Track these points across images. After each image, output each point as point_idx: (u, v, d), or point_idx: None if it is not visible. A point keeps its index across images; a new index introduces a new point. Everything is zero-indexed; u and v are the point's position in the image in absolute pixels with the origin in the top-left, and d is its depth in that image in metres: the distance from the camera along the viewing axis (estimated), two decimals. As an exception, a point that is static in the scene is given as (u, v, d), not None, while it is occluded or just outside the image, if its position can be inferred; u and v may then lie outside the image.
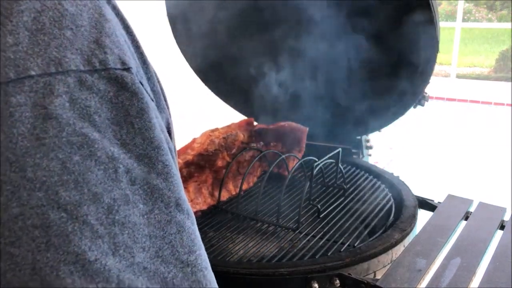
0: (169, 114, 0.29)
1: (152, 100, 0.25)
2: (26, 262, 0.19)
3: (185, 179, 0.89)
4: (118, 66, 0.23)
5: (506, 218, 0.84)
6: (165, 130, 0.27)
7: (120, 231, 0.22)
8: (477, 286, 0.64)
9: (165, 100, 0.30)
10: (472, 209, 0.88)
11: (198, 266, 0.25)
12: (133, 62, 0.25)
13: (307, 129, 1.08)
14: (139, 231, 0.22)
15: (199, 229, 0.85)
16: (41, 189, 0.20)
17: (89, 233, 0.20)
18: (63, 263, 0.19)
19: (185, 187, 0.89)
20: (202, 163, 0.92)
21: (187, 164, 0.88)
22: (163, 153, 0.24)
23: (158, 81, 0.29)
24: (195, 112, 4.86)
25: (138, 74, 0.24)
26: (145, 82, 0.25)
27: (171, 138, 0.28)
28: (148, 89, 0.25)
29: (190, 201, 0.89)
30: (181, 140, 0.94)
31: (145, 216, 0.23)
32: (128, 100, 0.23)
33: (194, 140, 0.90)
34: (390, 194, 0.97)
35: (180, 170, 0.87)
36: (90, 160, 0.21)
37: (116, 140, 0.23)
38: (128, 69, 0.24)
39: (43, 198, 0.20)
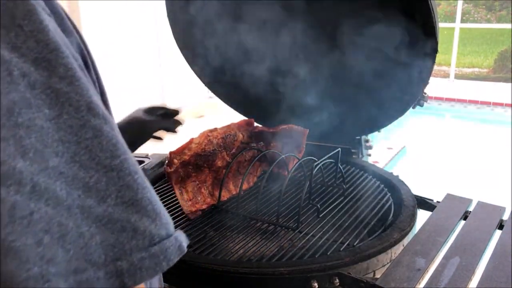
0: (82, 40, 0.28)
1: (49, 16, 0.24)
2: None
3: (183, 179, 0.89)
4: None
5: (505, 217, 0.84)
6: (75, 53, 0.25)
7: (26, 134, 0.21)
8: (476, 286, 0.64)
9: (74, 27, 0.29)
10: (471, 209, 0.88)
11: (125, 171, 0.24)
12: None
13: (307, 130, 1.08)
14: (48, 135, 0.22)
15: (200, 229, 0.84)
16: None
17: None
18: None
19: (183, 187, 0.89)
20: (201, 163, 0.92)
21: (184, 164, 0.88)
22: (63, 56, 0.23)
23: (65, 14, 0.28)
24: (194, 113, 4.85)
25: None
26: None
27: (87, 66, 0.27)
28: (42, 3, 0.24)
29: (189, 200, 0.89)
30: (180, 140, 0.94)
31: (53, 121, 0.22)
32: (11, 2, 0.22)
33: (191, 140, 0.91)
34: (389, 194, 0.97)
35: (177, 170, 0.87)
36: None
37: (5, 44, 0.22)
38: None
39: None
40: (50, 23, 0.24)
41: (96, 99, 0.24)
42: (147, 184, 0.25)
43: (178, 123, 1.00)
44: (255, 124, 1.05)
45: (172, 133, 1.00)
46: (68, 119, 0.22)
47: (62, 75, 0.23)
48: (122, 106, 1.01)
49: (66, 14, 0.29)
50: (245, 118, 1.06)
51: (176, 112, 0.99)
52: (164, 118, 0.98)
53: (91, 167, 0.22)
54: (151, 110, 0.96)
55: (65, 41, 0.25)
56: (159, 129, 0.97)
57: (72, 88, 0.23)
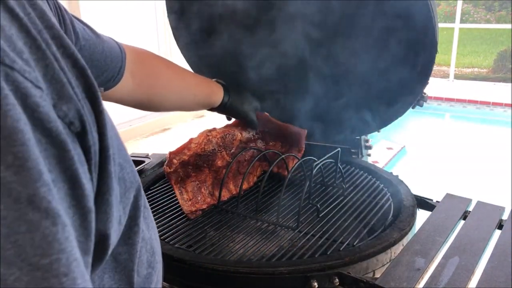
0: (84, 106, 0.28)
1: (39, 87, 0.24)
2: None
3: (182, 179, 0.89)
4: None
5: (505, 217, 0.84)
6: (58, 127, 0.25)
7: None
8: (475, 286, 0.64)
9: (91, 92, 0.30)
10: (470, 208, 0.88)
11: (53, 272, 0.22)
12: None
13: (306, 131, 1.09)
14: None
15: (200, 229, 0.85)
16: None
17: None
18: None
19: (183, 187, 0.90)
20: (200, 163, 0.92)
21: (184, 164, 0.88)
22: (16, 144, 0.22)
23: (84, 74, 0.30)
24: (194, 113, 4.86)
25: (7, 57, 0.23)
26: (23, 67, 0.24)
27: (85, 132, 0.28)
28: (31, 74, 0.24)
29: (189, 200, 0.89)
30: (179, 140, 0.94)
31: None
32: None
33: (191, 140, 0.91)
34: (389, 194, 0.97)
35: (176, 170, 0.87)
36: None
37: None
38: None
39: None
40: (14, 108, 0.22)
41: (45, 191, 0.22)
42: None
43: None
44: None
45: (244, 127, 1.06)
46: (4, 209, 0.21)
47: (10, 163, 0.21)
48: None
49: (81, 71, 0.30)
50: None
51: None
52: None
53: (14, 263, 0.21)
54: (255, 103, 1.06)
55: (41, 117, 0.24)
56: (250, 124, 1.05)
57: (17, 178, 0.22)
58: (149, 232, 0.41)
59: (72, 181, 0.26)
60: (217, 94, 0.96)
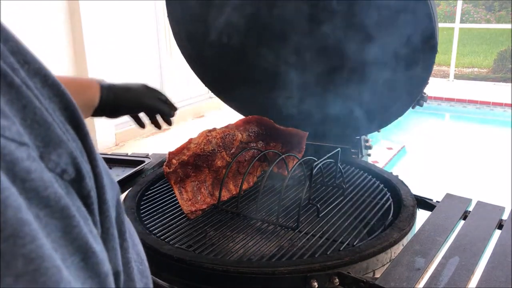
0: (75, 148, 0.23)
1: (23, 144, 0.19)
2: None
3: (182, 179, 0.90)
4: None
5: (504, 217, 0.84)
6: (48, 179, 0.20)
7: None
8: (475, 285, 0.64)
9: (70, 112, 0.24)
10: (470, 208, 0.88)
11: None
12: None
13: (307, 133, 1.09)
14: None
15: (200, 229, 0.84)
16: None
17: None
18: None
19: (183, 187, 0.90)
20: (200, 163, 0.92)
21: (183, 164, 0.88)
22: (25, 242, 0.17)
23: (59, 92, 0.24)
24: (194, 113, 4.86)
25: None
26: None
27: (81, 177, 0.23)
28: (12, 129, 0.19)
29: (189, 200, 0.89)
30: (179, 140, 0.94)
31: None
32: None
33: (190, 141, 0.91)
34: (389, 194, 0.97)
35: (176, 170, 0.87)
36: None
37: None
38: None
39: None
40: (10, 192, 0.17)
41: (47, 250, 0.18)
42: None
43: (175, 108, 0.91)
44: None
45: (166, 123, 0.91)
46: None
47: (20, 271, 0.17)
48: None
49: (54, 88, 0.24)
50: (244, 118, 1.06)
51: (174, 107, 0.91)
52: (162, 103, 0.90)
53: None
54: (153, 91, 0.90)
55: (31, 168, 0.19)
56: (155, 110, 0.89)
57: None
58: (131, 238, 0.33)
59: (83, 251, 0.21)
60: (91, 88, 0.80)
